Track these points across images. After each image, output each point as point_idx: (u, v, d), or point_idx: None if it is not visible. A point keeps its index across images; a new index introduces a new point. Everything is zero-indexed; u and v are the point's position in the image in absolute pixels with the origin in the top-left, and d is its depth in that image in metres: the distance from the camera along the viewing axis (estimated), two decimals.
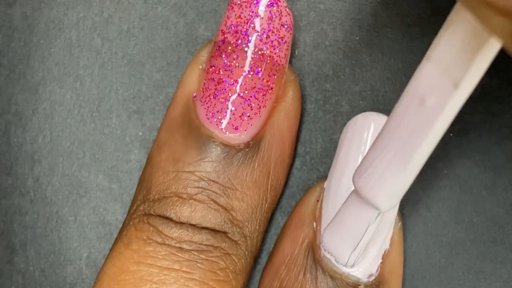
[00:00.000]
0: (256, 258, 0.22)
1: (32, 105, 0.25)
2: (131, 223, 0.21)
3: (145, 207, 0.21)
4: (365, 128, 0.22)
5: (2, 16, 0.25)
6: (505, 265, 0.24)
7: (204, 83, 0.22)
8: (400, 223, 0.23)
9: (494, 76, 0.24)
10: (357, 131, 0.22)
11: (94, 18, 0.25)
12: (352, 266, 0.21)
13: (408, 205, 0.24)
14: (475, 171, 0.24)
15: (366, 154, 0.19)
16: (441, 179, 0.24)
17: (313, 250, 0.22)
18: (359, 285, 0.21)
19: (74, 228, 0.25)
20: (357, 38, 0.24)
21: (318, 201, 0.22)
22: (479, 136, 0.24)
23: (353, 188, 0.20)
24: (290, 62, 0.24)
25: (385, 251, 0.22)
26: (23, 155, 0.25)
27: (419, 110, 0.17)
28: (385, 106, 0.24)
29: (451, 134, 0.24)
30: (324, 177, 0.23)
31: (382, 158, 0.18)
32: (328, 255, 0.21)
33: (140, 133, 0.25)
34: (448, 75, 0.16)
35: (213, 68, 0.22)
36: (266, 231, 0.24)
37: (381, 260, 0.22)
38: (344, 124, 0.23)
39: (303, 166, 0.24)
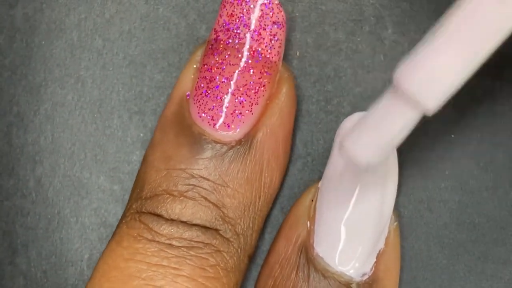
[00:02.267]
0: (251, 257, 0.22)
1: (33, 106, 0.25)
2: (123, 221, 0.22)
3: (137, 205, 0.22)
4: None
5: (4, 17, 0.25)
6: (506, 266, 0.24)
7: (197, 82, 0.22)
8: (396, 223, 0.23)
9: (496, 78, 0.24)
10: None
11: (95, 19, 0.25)
12: (371, 168, 0.19)
13: (410, 206, 0.24)
14: (476, 172, 0.24)
15: (418, 50, 0.17)
16: (442, 180, 0.24)
17: (306, 249, 0.22)
18: (352, 283, 0.21)
19: (76, 229, 0.25)
20: (359, 40, 0.24)
21: (312, 200, 0.22)
22: (480, 138, 0.24)
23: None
24: (291, 63, 0.24)
25: (379, 251, 0.22)
26: (25, 156, 0.25)
27: (500, 6, 0.16)
28: None
29: (452, 136, 0.24)
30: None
31: (443, 53, 0.17)
32: (320, 253, 0.21)
33: (142, 134, 0.25)
34: None
35: (206, 66, 0.22)
36: (266, 231, 0.24)
37: (375, 260, 0.22)
38: None
39: (305, 167, 0.24)
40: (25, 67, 0.25)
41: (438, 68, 0.17)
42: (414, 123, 0.18)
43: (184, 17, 0.25)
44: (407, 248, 0.24)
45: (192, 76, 0.22)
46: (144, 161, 0.22)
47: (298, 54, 0.25)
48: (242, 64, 0.21)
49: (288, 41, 0.24)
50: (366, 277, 0.22)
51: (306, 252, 0.22)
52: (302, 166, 0.24)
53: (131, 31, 0.25)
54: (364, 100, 0.24)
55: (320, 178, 0.24)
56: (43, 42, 0.25)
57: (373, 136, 0.18)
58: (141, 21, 0.25)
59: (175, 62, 0.25)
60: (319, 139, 0.24)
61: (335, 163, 0.22)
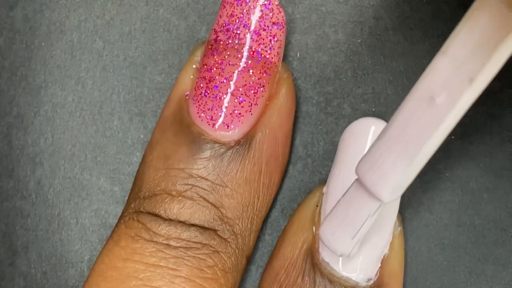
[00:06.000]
0: (249, 258, 0.22)
1: (33, 107, 0.25)
2: (121, 221, 0.22)
3: (135, 205, 0.21)
4: (364, 133, 0.22)
5: (4, 19, 0.25)
6: (506, 267, 0.24)
7: (197, 82, 0.22)
8: (400, 228, 0.23)
9: (495, 79, 0.24)
10: (356, 137, 0.22)
11: (95, 21, 0.25)
12: (348, 256, 0.21)
13: (410, 207, 0.24)
14: (476, 173, 0.24)
15: (372, 147, 0.18)
16: (442, 182, 0.24)
17: (312, 254, 0.22)
18: None
19: (76, 230, 0.25)
20: (359, 41, 0.24)
21: (317, 206, 0.22)
22: (480, 139, 0.24)
23: None
24: (292, 64, 0.24)
25: (384, 256, 0.22)
26: (25, 158, 0.25)
27: (429, 108, 0.17)
28: (387, 109, 0.24)
29: (452, 137, 0.24)
30: (324, 181, 0.23)
31: (388, 153, 0.18)
32: (326, 258, 0.21)
33: (142, 136, 0.25)
34: (463, 70, 0.16)
35: (205, 66, 0.22)
36: (267, 233, 0.24)
37: (380, 265, 0.22)
38: (346, 127, 0.23)
39: (305, 169, 0.24)
40: (25, 69, 0.25)
41: (386, 168, 0.18)
42: (376, 211, 0.19)
43: (184, 18, 0.25)
44: (407, 249, 0.24)
45: (192, 76, 0.22)
46: (143, 161, 0.22)
47: (298, 55, 0.25)
48: (241, 64, 0.22)
49: (288, 43, 0.24)
50: (371, 282, 0.22)
51: (312, 257, 0.22)
52: (303, 167, 0.24)
53: (131, 33, 0.25)
54: (364, 102, 0.24)
55: (320, 180, 0.24)
56: (43, 44, 0.25)
57: (343, 227, 0.20)
58: (141, 22, 0.25)
59: (175, 64, 0.25)
60: (319, 140, 0.24)
61: (338, 175, 0.22)
